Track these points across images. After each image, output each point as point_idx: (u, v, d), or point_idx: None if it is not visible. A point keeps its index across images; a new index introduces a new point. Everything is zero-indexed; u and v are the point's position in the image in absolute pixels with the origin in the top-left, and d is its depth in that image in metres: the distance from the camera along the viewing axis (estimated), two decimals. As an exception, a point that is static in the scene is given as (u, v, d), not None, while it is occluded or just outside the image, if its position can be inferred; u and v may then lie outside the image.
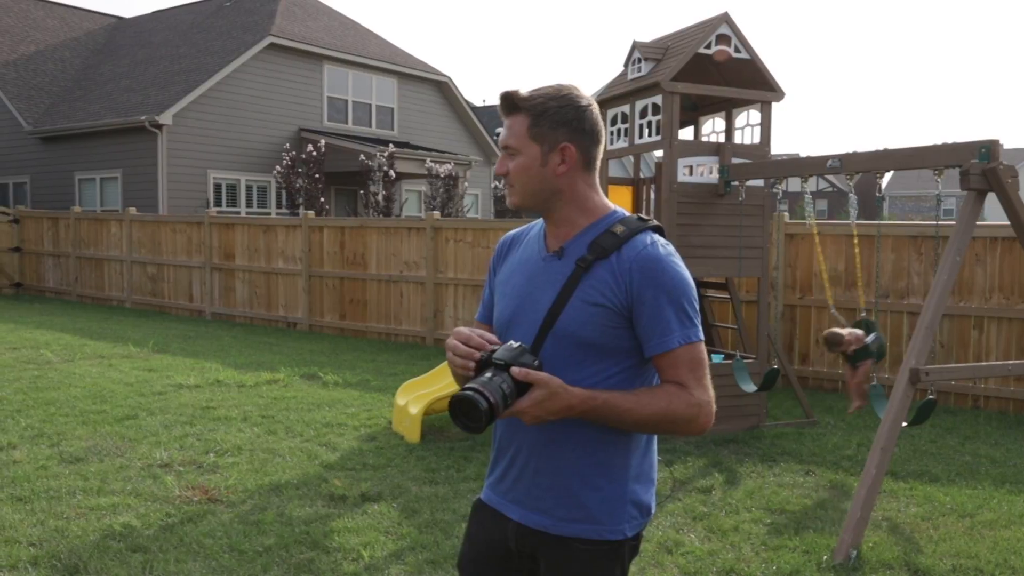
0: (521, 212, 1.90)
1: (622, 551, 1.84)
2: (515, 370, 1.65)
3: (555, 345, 1.78)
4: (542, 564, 1.85)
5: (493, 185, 23.48)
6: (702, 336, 1.81)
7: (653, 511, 1.92)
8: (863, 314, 6.02)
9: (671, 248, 1.83)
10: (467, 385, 1.62)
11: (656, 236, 1.83)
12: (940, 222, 5.46)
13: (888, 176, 55.71)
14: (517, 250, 1.99)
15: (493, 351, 1.70)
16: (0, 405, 6.98)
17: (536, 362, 1.70)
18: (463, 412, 1.61)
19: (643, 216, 1.87)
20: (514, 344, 1.70)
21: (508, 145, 1.84)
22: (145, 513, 4.57)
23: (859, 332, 5.84)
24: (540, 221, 1.99)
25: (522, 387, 1.65)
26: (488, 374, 1.64)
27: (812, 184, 6.52)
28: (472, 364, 1.69)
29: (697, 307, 1.82)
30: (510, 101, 1.83)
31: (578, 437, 1.79)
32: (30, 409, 6.86)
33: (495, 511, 1.92)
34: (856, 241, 5.69)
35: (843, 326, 5.96)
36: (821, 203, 53.84)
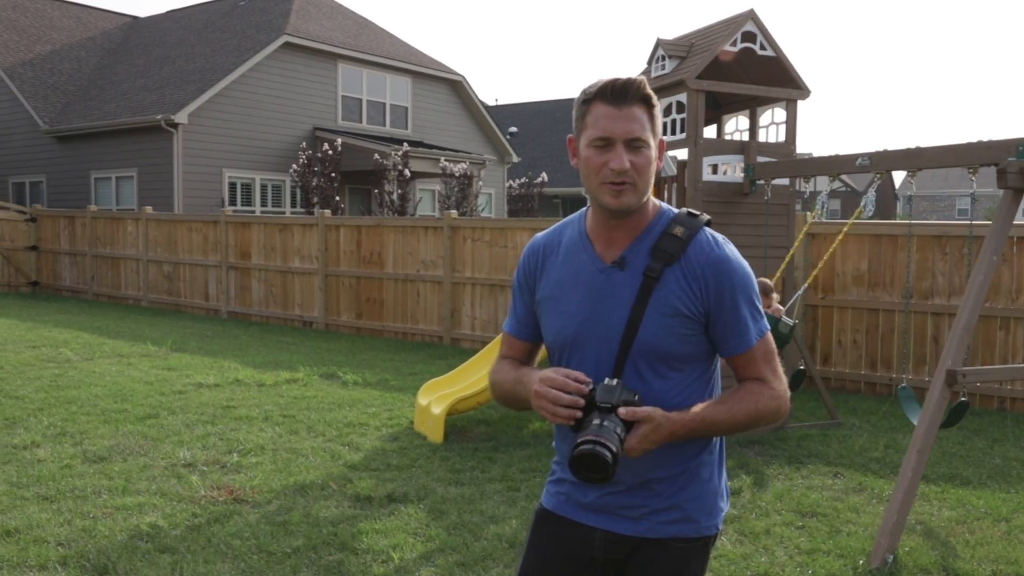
0: (618, 216, 1.77)
1: (712, 544, 1.86)
2: (623, 411, 1.63)
3: (637, 362, 1.74)
4: (634, 568, 1.83)
5: (508, 184, 23.43)
6: (768, 325, 1.80)
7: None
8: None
9: (729, 242, 1.81)
10: (584, 438, 1.60)
11: (714, 233, 1.81)
12: (973, 222, 5.37)
13: (901, 176, 55.37)
14: (555, 260, 1.87)
15: (592, 390, 1.67)
16: (22, 403, 6.98)
17: (636, 397, 1.68)
18: (589, 467, 1.60)
19: (692, 211, 1.82)
20: (611, 382, 1.67)
21: (638, 137, 1.70)
22: (171, 513, 4.55)
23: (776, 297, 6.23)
24: (567, 225, 1.90)
25: (628, 424, 1.65)
26: (596, 421, 1.62)
27: (824, 183, 6.50)
28: (579, 412, 1.66)
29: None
30: (639, 91, 1.71)
31: (670, 448, 1.76)
32: (52, 407, 6.85)
33: (573, 522, 1.87)
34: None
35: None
36: (834, 203, 53.58)
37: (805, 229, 7.37)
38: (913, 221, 6.81)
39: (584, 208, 1.92)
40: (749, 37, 6.57)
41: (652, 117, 1.74)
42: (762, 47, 6.62)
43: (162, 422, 6.52)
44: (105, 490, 4.89)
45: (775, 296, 6.54)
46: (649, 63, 7.13)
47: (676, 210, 1.83)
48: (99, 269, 16.00)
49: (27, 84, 20.24)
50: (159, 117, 17.05)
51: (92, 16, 24.69)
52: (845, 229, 6.94)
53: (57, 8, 23.92)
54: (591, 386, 1.68)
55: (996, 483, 5.38)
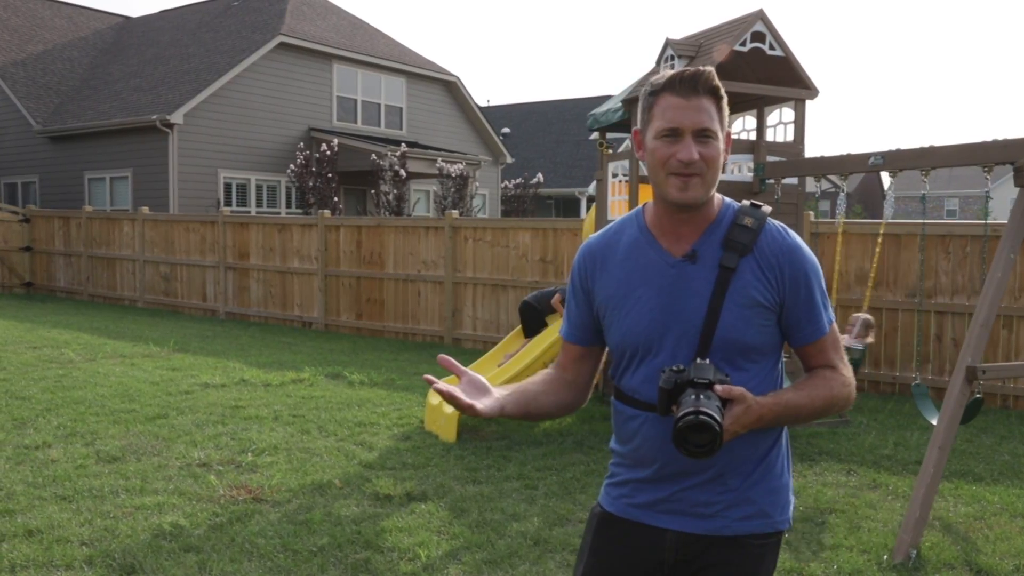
0: (685, 210, 1.76)
1: (783, 538, 1.85)
2: (719, 388, 1.62)
3: (717, 354, 1.72)
4: (708, 568, 1.78)
5: (503, 184, 23.44)
6: (835, 315, 1.83)
7: None
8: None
9: (795, 233, 1.82)
10: (686, 410, 1.58)
11: (779, 223, 1.81)
12: (987, 222, 5.42)
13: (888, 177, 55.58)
14: (615, 260, 1.84)
15: (682, 370, 1.66)
16: (29, 404, 6.93)
17: (728, 377, 1.68)
18: (696, 437, 1.57)
19: (755, 202, 1.81)
20: (704, 361, 1.67)
21: (707, 128, 1.69)
22: (192, 512, 4.53)
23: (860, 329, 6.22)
24: (623, 224, 1.87)
25: (723, 403, 1.64)
26: (694, 395, 1.61)
27: (811, 184, 6.55)
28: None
29: None
30: (708, 82, 1.70)
31: (744, 437, 1.73)
32: (59, 408, 6.81)
33: (641, 525, 1.82)
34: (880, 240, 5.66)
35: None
36: (824, 204, 53.82)
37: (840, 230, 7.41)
38: (922, 221, 6.85)
39: (638, 208, 1.90)
40: (758, 37, 6.60)
41: (720, 109, 1.73)
42: (771, 47, 6.66)
43: (172, 422, 6.49)
44: (122, 490, 4.87)
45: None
46: (658, 63, 7.16)
47: (738, 203, 1.83)
48: (94, 270, 15.91)
49: (19, 84, 20.10)
50: (154, 117, 16.97)
51: (84, 16, 24.55)
52: (881, 230, 6.99)
53: (49, 8, 23.77)
54: (681, 367, 1.67)
55: (1008, 479, 5.43)
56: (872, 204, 52.96)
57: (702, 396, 1.60)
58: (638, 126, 1.82)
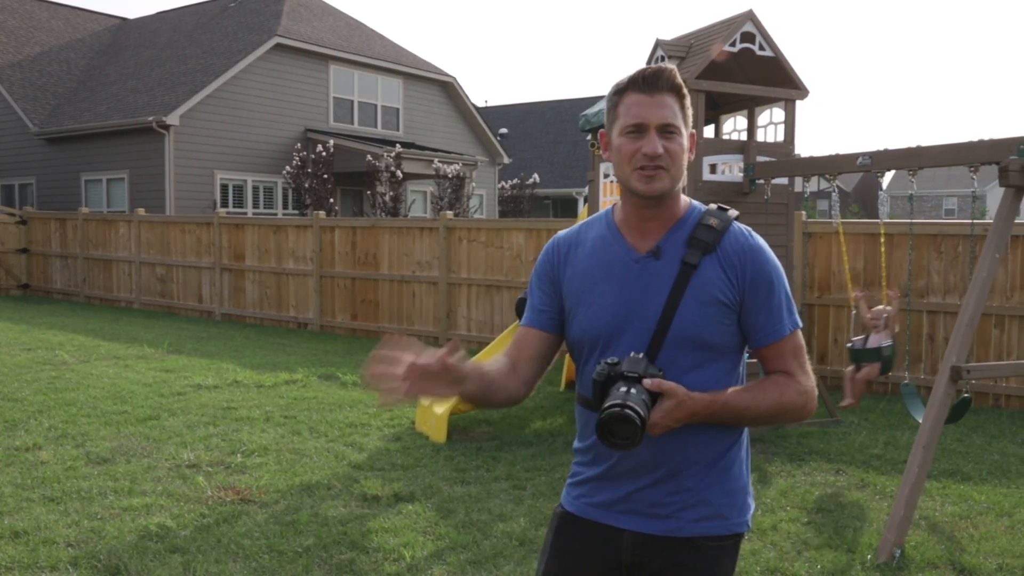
0: (652, 203, 1.77)
1: (741, 541, 1.84)
2: (648, 382, 1.62)
3: (673, 351, 1.72)
4: (664, 569, 1.78)
5: (500, 185, 23.45)
6: (801, 323, 1.81)
7: None
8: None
9: (760, 236, 1.83)
10: (611, 403, 1.58)
11: (744, 226, 1.83)
12: (975, 221, 5.43)
13: (889, 176, 55.74)
14: (582, 253, 1.86)
15: (616, 363, 1.66)
16: (21, 405, 6.94)
17: (662, 372, 1.68)
18: (617, 429, 1.57)
19: (721, 205, 1.84)
20: (638, 355, 1.67)
21: (671, 123, 1.72)
22: (179, 514, 4.54)
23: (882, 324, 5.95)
24: (591, 222, 1.89)
25: (653, 397, 1.63)
26: (623, 388, 1.61)
27: (813, 184, 6.53)
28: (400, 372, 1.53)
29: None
30: (671, 80, 1.73)
31: (699, 438, 1.74)
32: (51, 410, 6.82)
33: (599, 524, 1.82)
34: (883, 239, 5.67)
35: (868, 310, 6.08)
36: (822, 203, 53.85)
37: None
38: (912, 220, 6.86)
39: (607, 208, 1.92)
40: (748, 37, 6.61)
41: (683, 107, 1.76)
42: (761, 47, 6.67)
43: (163, 423, 6.50)
44: (111, 491, 4.88)
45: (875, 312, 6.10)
46: (648, 63, 7.16)
47: (705, 205, 1.86)
48: (91, 271, 15.91)
49: (16, 86, 20.11)
50: (150, 119, 16.98)
51: (80, 18, 24.56)
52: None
53: (45, 10, 23.78)
54: (615, 360, 1.68)
55: (996, 479, 5.43)
56: (870, 204, 53.00)
57: (632, 390, 1.60)
58: (604, 127, 1.84)
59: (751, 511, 1.86)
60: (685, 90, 1.76)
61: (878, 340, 5.96)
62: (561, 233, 1.95)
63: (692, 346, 1.73)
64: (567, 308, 1.87)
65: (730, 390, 1.73)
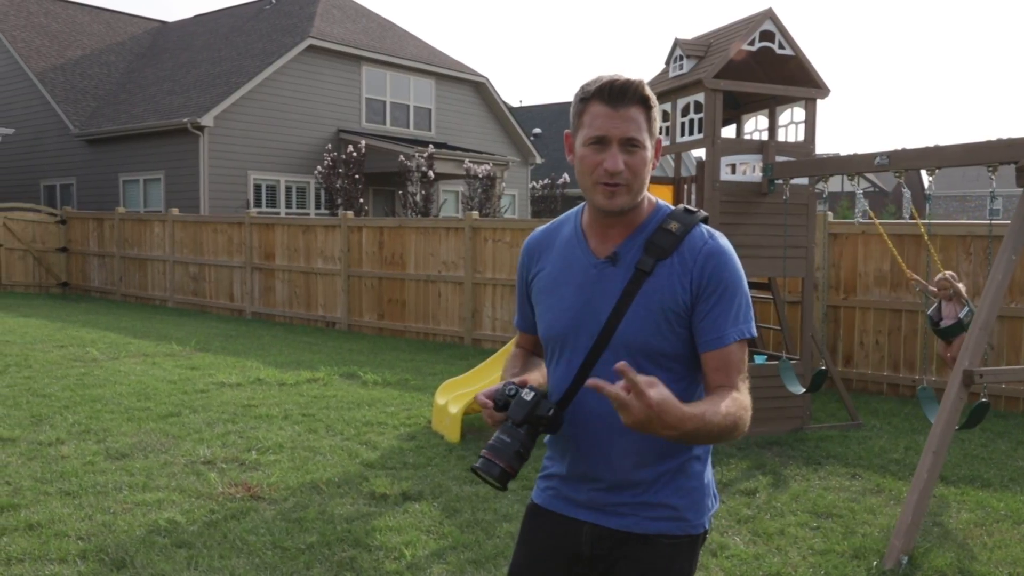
0: (613, 216, 1.77)
1: (700, 542, 1.84)
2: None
3: (615, 357, 1.69)
4: (621, 563, 1.80)
5: (531, 185, 23.44)
6: (755, 333, 1.76)
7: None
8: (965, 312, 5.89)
9: (726, 239, 1.79)
10: (483, 452, 1.70)
11: (710, 228, 1.80)
12: (993, 221, 5.31)
13: (926, 176, 54.47)
14: (551, 254, 1.88)
15: (514, 394, 1.72)
16: (48, 401, 7.10)
17: (551, 412, 1.72)
18: (482, 479, 1.72)
19: (688, 207, 1.82)
20: (527, 395, 1.72)
21: (634, 138, 1.69)
22: (189, 509, 4.61)
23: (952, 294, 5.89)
24: (564, 220, 1.91)
25: (532, 436, 1.71)
26: (500, 435, 1.69)
27: (852, 183, 6.41)
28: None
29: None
30: (637, 92, 1.70)
31: (656, 441, 1.70)
32: (77, 406, 6.97)
33: (561, 516, 1.86)
34: (927, 239, 5.56)
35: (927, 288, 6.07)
36: (862, 202, 52.90)
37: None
38: (935, 221, 6.72)
39: (580, 207, 1.92)
40: (767, 36, 6.54)
41: (650, 119, 1.74)
42: (780, 46, 6.59)
43: (184, 420, 6.61)
44: (126, 486, 4.97)
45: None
46: (667, 63, 7.12)
47: (672, 207, 1.84)
48: (127, 270, 16.23)
49: (58, 89, 20.58)
50: (185, 120, 17.27)
51: (121, 21, 25.05)
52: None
53: (87, 14, 24.31)
54: (513, 391, 1.73)
55: (1018, 486, 5.31)
56: (917, 203, 51.86)
57: (506, 437, 1.68)
58: (570, 129, 1.84)
59: (711, 511, 1.85)
60: (654, 100, 1.75)
61: (953, 311, 5.93)
62: (535, 233, 1.97)
63: (641, 353, 1.71)
64: (535, 308, 1.92)
65: (698, 405, 1.60)
